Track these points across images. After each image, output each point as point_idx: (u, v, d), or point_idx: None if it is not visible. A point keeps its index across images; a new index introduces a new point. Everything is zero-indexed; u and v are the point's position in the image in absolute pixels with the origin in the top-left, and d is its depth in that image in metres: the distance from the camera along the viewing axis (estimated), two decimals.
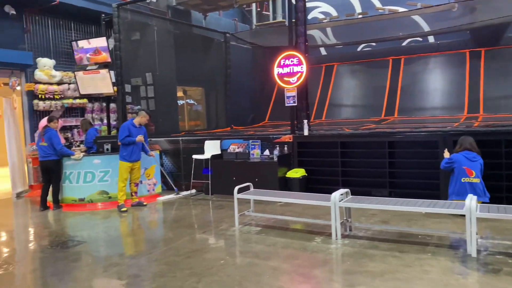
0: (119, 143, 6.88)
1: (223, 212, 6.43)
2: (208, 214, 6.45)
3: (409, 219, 5.43)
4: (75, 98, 10.05)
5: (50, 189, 7.46)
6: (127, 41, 9.83)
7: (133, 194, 7.23)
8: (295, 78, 7.18)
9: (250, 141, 7.60)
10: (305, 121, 7.15)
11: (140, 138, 6.84)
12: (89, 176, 7.42)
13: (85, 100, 10.27)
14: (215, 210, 6.68)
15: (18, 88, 8.98)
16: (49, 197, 7.51)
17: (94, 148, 7.94)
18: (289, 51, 7.25)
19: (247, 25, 15.77)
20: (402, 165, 6.68)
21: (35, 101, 9.29)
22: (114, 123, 10.74)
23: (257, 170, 7.14)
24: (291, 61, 7.19)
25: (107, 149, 7.63)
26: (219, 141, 8.01)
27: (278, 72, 7.34)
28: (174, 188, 7.86)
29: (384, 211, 5.60)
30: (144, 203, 7.25)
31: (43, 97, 9.36)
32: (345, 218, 4.99)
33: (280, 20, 15.51)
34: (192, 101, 14.28)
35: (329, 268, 4.05)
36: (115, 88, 9.42)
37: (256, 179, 7.01)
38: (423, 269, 3.82)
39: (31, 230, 6.16)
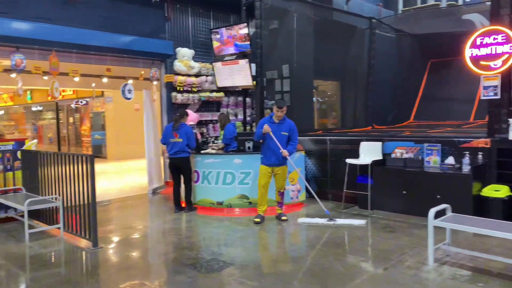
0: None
1: (397, 238, 4.91)
2: (377, 239, 4.99)
3: None
4: (211, 91, 9.42)
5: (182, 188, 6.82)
6: (266, 30, 8.86)
7: (278, 204, 6.07)
8: (498, 62, 5.31)
9: (425, 144, 5.93)
10: (511, 120, 5.24)
11: (266, 128, 5.63)
12: (229, 177, 6.52)
13: (221, 94, 9.59)
14: (384, 233, 5.18)
15: (155, 82, 8.57)
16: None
17: (233, 145, 7.05)
18: (492, 26, 5.40)
19: (391, 10, 13.88)
20: None
21: (173, 94, 8.83)
22: (248, 118, 9.92)
23: (439, 183, 5.44)
24: (494, 39, 5.34)
25: (249, 148, 6.65)
26: (380, 143, 6.47)
27: (472, 54, 5.53)
28: (325, 209, 5.83)
29: None
30: (284, 218, 5.93)
31: (181, 89, 8.85)
32: None
33: (432, 3, 13.32)
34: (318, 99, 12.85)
35: None
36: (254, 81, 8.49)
37: (438, 196, 5.35)
38: None
39: (168, 239, 5.38)
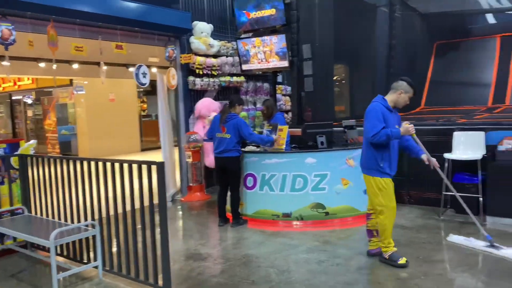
0: (370, 141, 3.75)
1: None
2: None
3: None
4: (232, 75, 7.86)
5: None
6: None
7: (375, 233, 4.11)
8: None
9: None
10: None
11: (408, 127, 3.81)
12: (300, 182, 5.09)
13: (242, 78, 8.05)
14: None
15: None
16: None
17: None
18: None
19: None
20: None
21: (190, 78, 7.17)
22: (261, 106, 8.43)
23: None
24: None
25: (322, 143, 5.25)
26: (483, 133, 5.30)
27: None
28: (484, 233, 4.24)
29: None
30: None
31: (200, 72, 7.22)
32: None
33: None
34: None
35: None
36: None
37: None
38: None
39: (258, 273, 3.90)
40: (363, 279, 3.58)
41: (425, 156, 4.03)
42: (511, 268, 3.66)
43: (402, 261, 3.79)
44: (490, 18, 12.07)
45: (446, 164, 5.24)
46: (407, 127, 3.78)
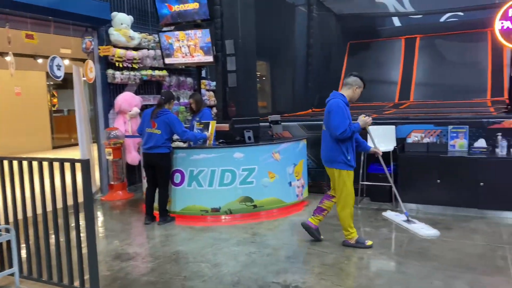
0: (339, 137, 3.90)
1: (467, 238, 4.29)
2: (459, 243, 4.26)
3: None
4: (154, 68, 7.65)
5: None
6: None
7: (324, 213, 4.34)
8: None
9: (450, 127, 5.42)
10: None
11: (366, 119, 4.04)
12: (228, 176, 5.14)
13: (165, 72, 7.87)
14: (447, 233, 4.50)
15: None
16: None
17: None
18: None
19: None
20: None
21: (110, 71, 6.85)
22: (185, 101, 8.36)
23: (480, 169, 4.95)
24: None
25: (249, 138, 5.34)
26: (393, 127, 5.79)
27: (503, 26, 5.14)
28: (404, 209, 4.84)
29: None
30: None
31: (120, 65, 6.92)
32: None
33: None
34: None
35: None
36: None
37: (481, 184, 4.89)
38: None
39: (191, 268, 3.87)
40: (292, 267, 3.73)
41: (373, 149, 4.37)
42: (421, 248, 4.06)
43: (369, 242, 4.12)
44: (396, 21, 13.11)
45: (362, 157, 5.63)
46: (365, 119, 4.04)
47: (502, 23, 5.14)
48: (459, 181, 5.03)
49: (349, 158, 3.99)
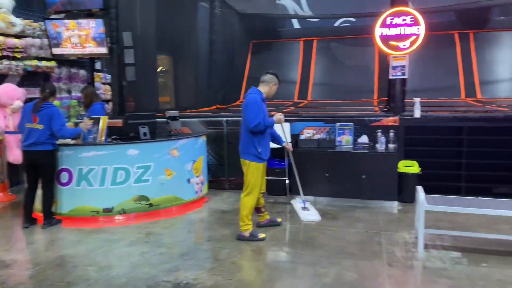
0: (252, 130, 4.06)
1: (351, 226, 4.65)
2: (340, 231, 4.56)
3: None
4: (40, 59, 7.03)
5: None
6: None
7: (263, 209, 4.65)
8: (407, 43, 5.56)
9: (337, 124, 5.81)
10: (417, 100, 5.60)
11: (280, 117, 4.25)
12: (121, 175, 4.92)
13: (53, 63, 7.28)
14: (332, 222, 4.82)
15: None
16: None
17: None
18: (398, 6, 5.58)
19: None
20: None
21: None
22: (78, 95, 7.84)
23: (363, 163, 5.39)
24: (403, 20, 5.54)
25: (145, 134, 5.16)
26: (288, 124, 6.01)
27: (382, 33, 5.63)
28: (303, 199, 5.14)
29: None
30: (279, 220, 4.74)
31: None
32: None
33: None
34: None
35: None
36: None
37: (363, 176, 5.33)
38: None
39: (74, 275, 3.63)
40: (185, 264, 3.70)
41: (285, 144, 4.63)
42: (310, 237, 4.30)
43: (262, 235, 4.27)
44: (296, 24, 13.70)
45: None
46: (279, 117, 4.25)
47: (381, 30, 5.63)
48: (345, 174, 5.42)
49: (259, 151, 4.15)
